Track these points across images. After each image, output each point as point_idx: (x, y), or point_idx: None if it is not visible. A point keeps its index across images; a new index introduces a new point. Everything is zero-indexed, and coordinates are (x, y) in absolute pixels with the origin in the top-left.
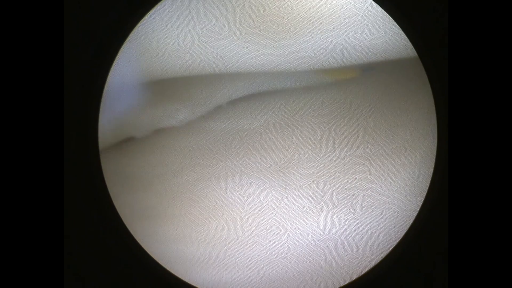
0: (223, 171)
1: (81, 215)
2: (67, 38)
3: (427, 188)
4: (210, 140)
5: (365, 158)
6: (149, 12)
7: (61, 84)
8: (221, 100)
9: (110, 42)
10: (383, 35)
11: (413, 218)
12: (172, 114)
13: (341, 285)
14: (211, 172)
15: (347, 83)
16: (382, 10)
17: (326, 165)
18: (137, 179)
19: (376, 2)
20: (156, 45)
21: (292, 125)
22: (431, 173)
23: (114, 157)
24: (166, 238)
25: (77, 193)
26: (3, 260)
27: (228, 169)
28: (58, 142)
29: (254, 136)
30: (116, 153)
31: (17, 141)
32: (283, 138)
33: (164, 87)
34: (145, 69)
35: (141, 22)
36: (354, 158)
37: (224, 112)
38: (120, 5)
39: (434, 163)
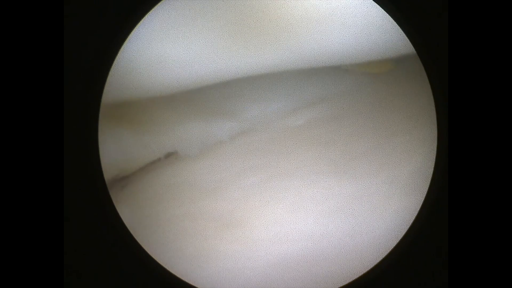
0: (219, 170)
1: (81, 216)
2: (67, 38)
3: (427, 188)
4: (260, 141)
5: (365, 159)
6: (149, 12)
7: (61, 85)
8: (252, 102)
9: (110, 42)
10: (383, 35)
11: (413, 218)
12: (219, 128)
13: (341, 285)
14: (207, 172)
15: (348, 83)
16: (382, 10)
17: (326, 165)
18: (138, 180)
19: (376, 2)
20: (155, 45)
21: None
22: (431, 173)
23: (115, 159)
24: (166, 238)
25: (78, 195)
26: (3, 260)
27: (225, 168)
28: (58, 142)
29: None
30: (117, 154)
31: (17, 141)
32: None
33: (181, 95)
34: (145, 70)
35: (141, 22)
36: (353, 159)
37: (262, 112)
38: (120, 5)
39: (434, 163)
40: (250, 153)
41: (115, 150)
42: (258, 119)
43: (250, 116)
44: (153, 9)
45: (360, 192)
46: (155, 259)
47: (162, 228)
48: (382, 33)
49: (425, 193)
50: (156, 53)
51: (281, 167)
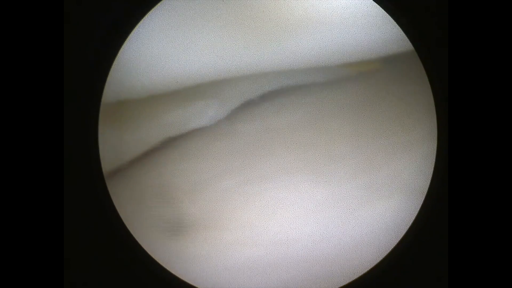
0: (219, 171)
1: (81, 215)
2: (67, 38)
3: (427, 188)
4: (241, 142)
5: (365, 159)
6: (149, 12)
7: (61, 85)
8: (243, 100)
9: (110, 42)
10: (383, 35)
11: (413, 218)
12: (202, 112)
13: (341, 285)
14: (208, 172)
15: (346, 82)
16: (382, 10)
17: (325, 165)
18: (138, 179)
19: (376, 2)
20: (155, 45)
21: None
22: (431, 173)
23: (115, 158)
24: (167, 238)
25: (77, 194)
26: (3, 260)
27: (225, 168)
28: (58, 142)
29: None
30: (117, 154)
31: (17, 142)
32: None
33: (170, 89)
34: (145, 70)
35: (141, 22)
36: (353, 158)
37: (250, 112)
38: (120, 5)
39: (434, 163)
40: (247, 151)
41: (115, 150)
42: (240, 118)
43: (238, 117)
44: (153, 9)
45: (360, 192)
46: (155, 259)
47: (162, 228)
48: (382, 32)
49: (425, 193)
50: (156, 53)
51: (286, 166)
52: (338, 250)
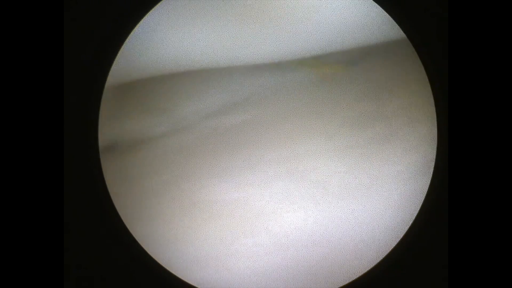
0: (220, 170)
1: (81, 215)
2: (67, 38)
3: (427, 188)
4: (242, 140)
5: (366, 159)
6: (149, 12)
7: (61, 84)
8: (243, 99)
9: (110, 42)
10: (383, 35)
11: (413, 218)
12: (202, 110)
13: (341, 285)
14: (208, 172)
15: (342, 81)
16: (382, 10)
17: (325, 165)
18: (138, 179)
19: (376, 2)
20: (156, 45)
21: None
22: (431, 173)
23: (115, 158)
24: (166, 238)
25: (77, 194)
26: (3, 260)
27: (226, 168)
28: (58, 142)
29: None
30: (117, 154)
31: (17, 141)
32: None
33: (166, 86)
34: (145, 69)
35: (141, 22)
36: (354, 158)
37: (250, 111)
38: (120, 5)
39: (434, 163)
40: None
41: (115, 148)
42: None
43: (238, 116)
44: (153, 9)
45: (360, 192)
46: (155, 259)
47: (162, 228)
48: (382, 33)
49: (425, 193)
50: (156, 53)
51: (286, 167)
52: (338, 250)
